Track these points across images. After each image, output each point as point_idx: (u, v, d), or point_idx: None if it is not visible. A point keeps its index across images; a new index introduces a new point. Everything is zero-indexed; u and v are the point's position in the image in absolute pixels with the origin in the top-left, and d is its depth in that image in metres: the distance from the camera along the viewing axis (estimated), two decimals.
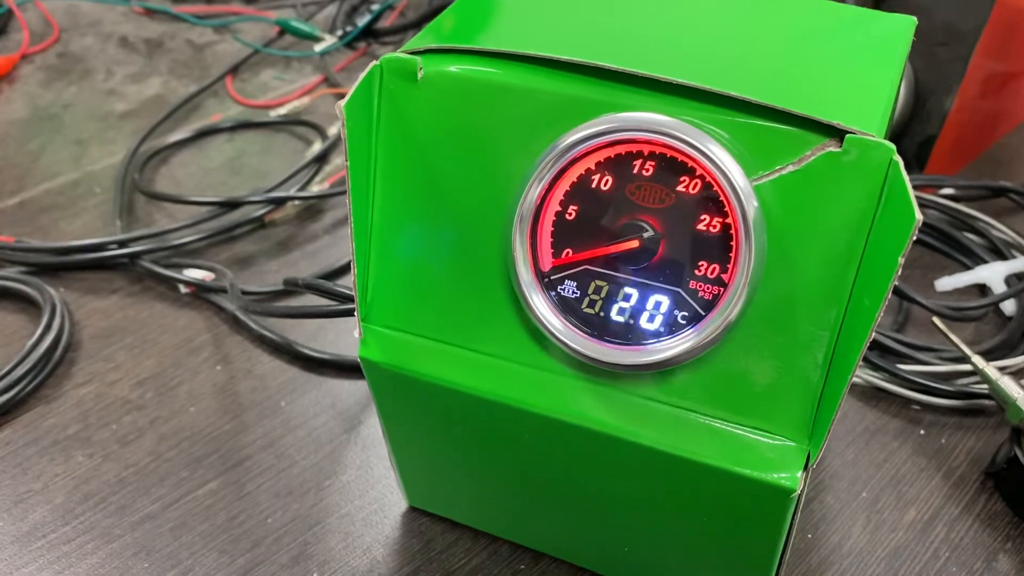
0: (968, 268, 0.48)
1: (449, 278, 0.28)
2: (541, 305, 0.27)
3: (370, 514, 0.36)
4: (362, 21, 0.67)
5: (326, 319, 0.43)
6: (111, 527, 0.36)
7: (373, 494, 0.37)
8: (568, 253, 0.27)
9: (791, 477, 0.25)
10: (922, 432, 0.39)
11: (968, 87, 0.50)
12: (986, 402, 0.40)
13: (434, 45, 0.27)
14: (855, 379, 0.41)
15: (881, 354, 0.42)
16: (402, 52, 0.27)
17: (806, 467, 0.25)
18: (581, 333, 0.27)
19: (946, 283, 0.47)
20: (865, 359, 0.41)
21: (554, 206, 0.27)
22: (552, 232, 0.27)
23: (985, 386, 0.39)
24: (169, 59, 0.69)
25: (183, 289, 0.47)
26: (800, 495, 0.25)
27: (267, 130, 0.60)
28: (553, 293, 0.27)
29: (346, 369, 0.42)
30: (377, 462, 0.38)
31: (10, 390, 0.40)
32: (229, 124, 0.59)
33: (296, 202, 0.52)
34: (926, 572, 0.34)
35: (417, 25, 0.67)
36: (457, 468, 0.33)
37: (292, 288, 0.44)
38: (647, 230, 0.26)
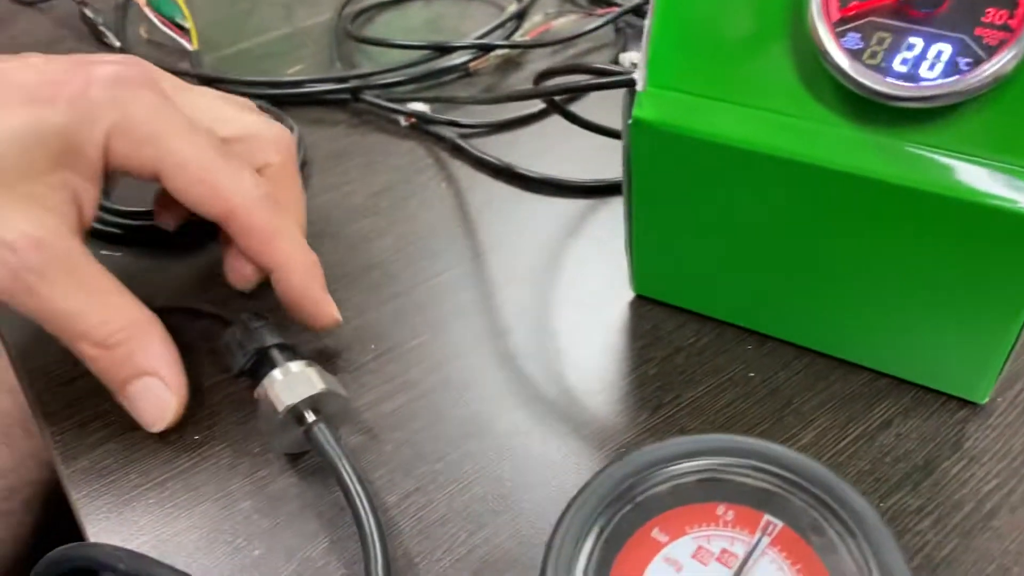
0: None
1: (731, 35, 0.30)
2: (832, 47, 0.29)
3: (597, 301, 0.39)
4: None
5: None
6: (365, 303, 0.39)
7: (593, 285, 0.40)
8: (854, 4, 0.29)
9: None
10: None
11: None
12: None
13: None
14: None
15: None
16: None
17: None
18: (869, 70, 0.28)
19: None
20: None
21: None
22: None
23: None
24: None
25: (403, 122, 0.50)
26: None
27: None
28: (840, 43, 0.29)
29: (564, 188, 0.45)
30: (597, 258, 0.41)
31: None
32: None
33: (499, 51, 0.55)
34: None
35: None
36: (702, 244, 0.35)
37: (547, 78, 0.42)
38: None
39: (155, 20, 0.60)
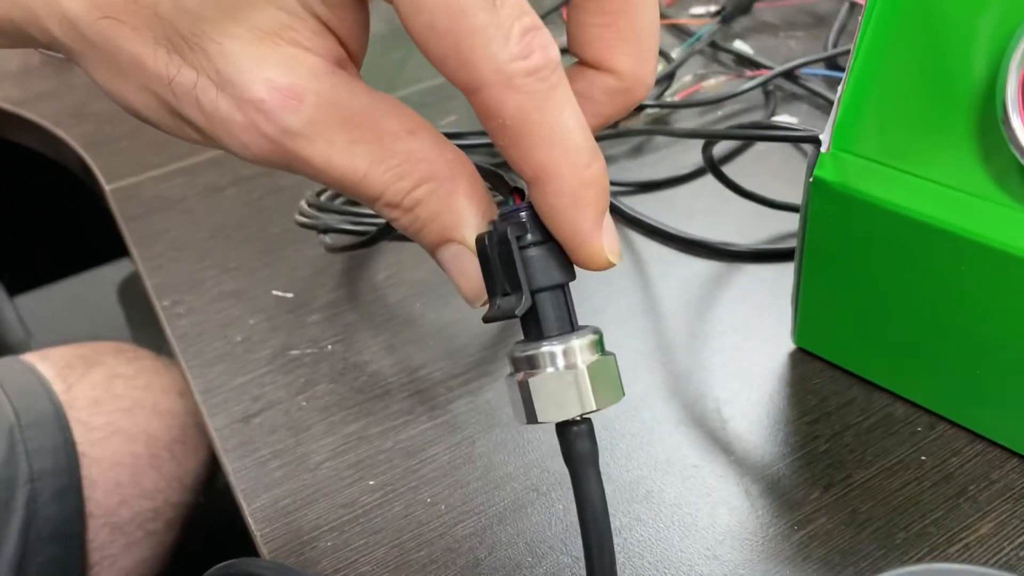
0: None
1: (919, 108, 0.31)
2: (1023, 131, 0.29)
3: (759, 371, 0.39)
4: None
5: None
6: None
7: (754, 355, 0.40)
8: None
9: None
10: None
11: None
12: None
13: None
14: None
15: None
16: None
17: None
18: None
19: None
20: None
21: None
22: None
23: None
24: None
25: None
26: None
27: None
28: None
29: (718, 252, 0.45)
30: (756, 325, 0.41)
31: None
32: None
33: (649, 111, 0.55)
34: None
35: None
36: (872, 308, 0.35)
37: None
38: None
39: None
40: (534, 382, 0.23)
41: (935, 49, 0.30)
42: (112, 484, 0.55)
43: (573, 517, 0.33)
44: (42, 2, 0.23)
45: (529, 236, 0.23)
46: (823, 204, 0.33)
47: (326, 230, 0.43)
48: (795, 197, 0.36)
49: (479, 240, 0.24)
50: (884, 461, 0.35)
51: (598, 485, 0.23)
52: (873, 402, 0.37)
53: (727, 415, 0.37)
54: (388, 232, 0.39)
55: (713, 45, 0.62)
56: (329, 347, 0.41)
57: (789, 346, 0.40)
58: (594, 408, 0.23)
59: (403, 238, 0.31)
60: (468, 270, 0.25)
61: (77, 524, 0.53)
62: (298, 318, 0.43)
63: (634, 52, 0.24)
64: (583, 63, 0.25)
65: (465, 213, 0.24)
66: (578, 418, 0.23)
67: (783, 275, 0.44)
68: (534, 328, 0.23)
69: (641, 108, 0.55)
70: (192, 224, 0.50)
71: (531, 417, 0.23)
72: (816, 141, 0.33)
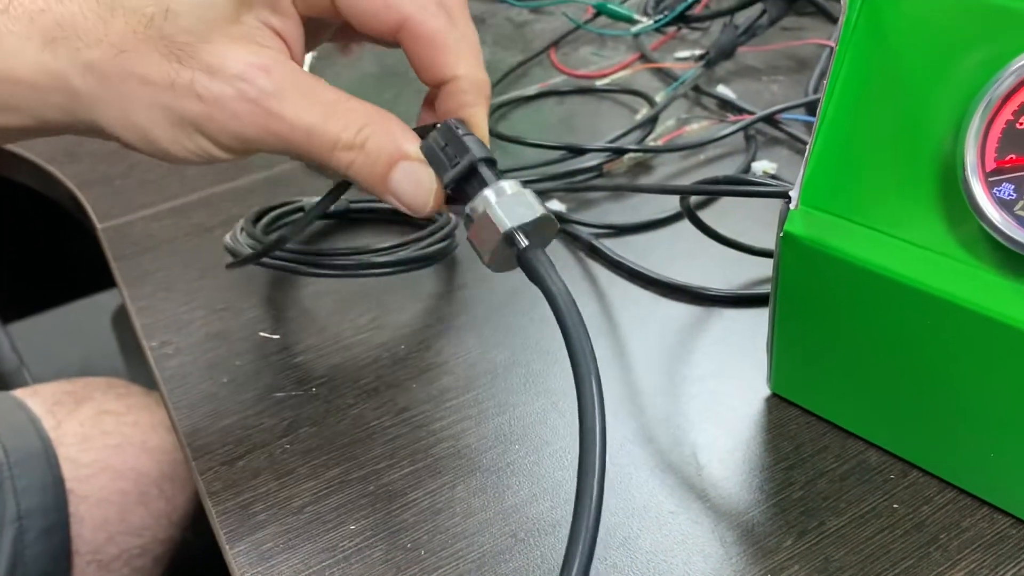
0: None
1: (885, 168, 0.32)
2: (982, 197, 0.30)
3: (736, 416, 0.40)
4: (672, 8, 0.72)
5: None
6: (508, 401, 0.41)
7: (732, 400, 0.40)
8: (1011, 158, 0.30)
9: None
10: None
11: None
12: None
13: None
14: None
15: None
16: None
17: None
18: (1017, 226, 0.29)
19: None
20: None
21: (1007, 114, 0.29)
22: (1000, 137, 0.30)
23: None
24: (493, 32, 0.76)
25: None
26: None
27: (594, 96, 0.65)
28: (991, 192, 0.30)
29: (699, 297, 0.46)
30: (733, 370, 0.42)
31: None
32: (565, 88, 0.65)
33: (632, 155, 0.56)
34: None
35: (724, 14, 0.71)
36: (844, 359, 0.36)
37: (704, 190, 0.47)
38: None
39: None
40: (492, 208, 0.31)
41: (899, 112, 0.31)
42: (99, 521, 0.55)
43: (552, 564, 0.34)
44: (67, 60, 0.30)
45: (461, 129, 0.33)
46: (794, 258, 0.34)
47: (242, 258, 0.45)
48: (772, 242, 0.37)
49: (426, 144, 0.33)
50: (857, 509, 0.35)
51: (561, 282, 0.31)
52: (847, 449, 0.38)
53: (703, 461, 0.38)
54: (279, 244, 0.42)
55: (696, 89, 0.64)
56: (314, 389, 0.42)
57: (765, 391, 0.40)
58: (541, 212, 0.32)
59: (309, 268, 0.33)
60: (421, 177, 0.32)
61: (63, 562, 0.53)
62: (284, 360, 0.44)
63: (465, 60, 0.34)
64: (438, 86, 0.34)
65: (404, 136, 0.32)
66: (525, 242, 0.31)
67: (760, 319, 0.44)
68: (479, 184, 0.32)
69: (623, 152, 0.56)
70: (182, 264, 0.51)
71: (494, 233, 0.31)
72: (786, 197, 0.34)
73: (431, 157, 0.33)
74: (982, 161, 0.30)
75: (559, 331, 0.30)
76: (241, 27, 0.31)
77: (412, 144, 0.32)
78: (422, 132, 0.33)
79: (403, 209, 0.33)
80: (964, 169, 0.29)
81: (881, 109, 0.32)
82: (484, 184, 0.32)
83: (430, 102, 0.36)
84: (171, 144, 0.32)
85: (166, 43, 0.30)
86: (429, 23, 0.33)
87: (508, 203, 0.31)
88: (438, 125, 0.33)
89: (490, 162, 0.33)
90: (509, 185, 0.32)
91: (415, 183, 0.32)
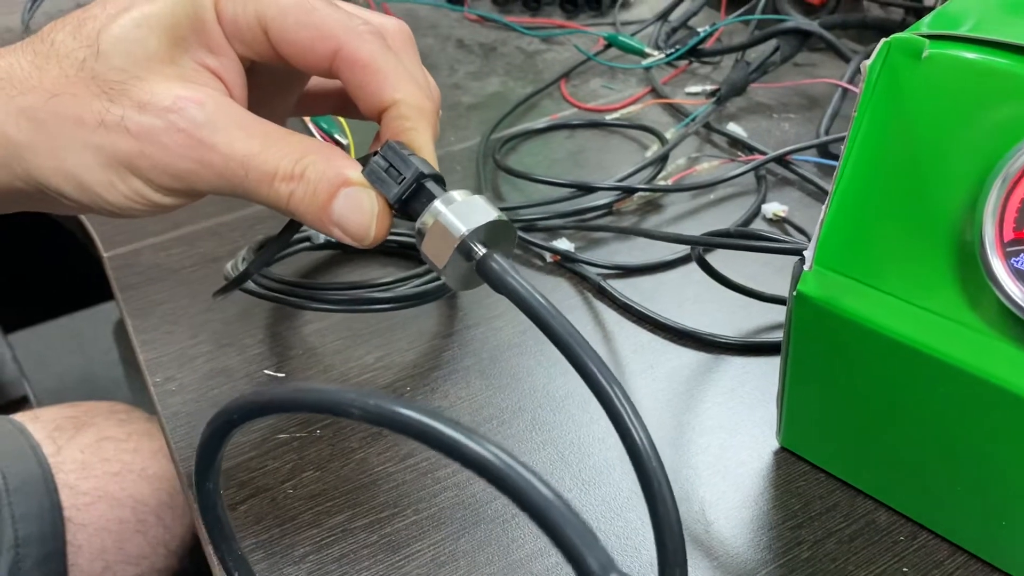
0: None
1: (901, 234, 0.32)
2: (1000, 269, 0.29)
3: (744, 471, 0.39)
4: (684, 42, 0.72)
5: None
6: (514, 450, 0.40)
7: (741, 453, 0.40)
8: None
9: None
10: None
11: None
12: None
13: (938, 31, 0.30)
14: None
15: None
16: (910, 34, 0.31)
17: None
18: None
19: None
20: None
21: None
22: (1019, 208, 0.29)
23: None
24: (504, 62, 0.76)
25: (548, 258, 0.52)
26: None
27: (604, 131, 0.65)
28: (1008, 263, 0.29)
29: (707, 344, 0.46)
30: (743, 421, 0.41)
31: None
32: (575, 122, 0.65)
33: (643, 194, 0.56)
34: None
35: (735, 49, 0.71)
36: (855, 419, 0.35)
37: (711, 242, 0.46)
38: None
39: (315, 133, 0.63)
40: (443, 216, 0.30)
41: (916, 179, 0.31)
42: (97, 550, 0.55)
43: None
44: (1, 109, 0.30)
45: (405, 149, 0.31)
46: (806, 317, 0.34)
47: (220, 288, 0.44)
48: (783, 288, 0.37)
49: (368, 169, 0.31)
50: (866, 571, 0.35)
51: (523, 285, 0.29)
52: (856, 507, 0.37)
53: (711, 517, 0.37)
54: (245, 278, 0.41)
55: (707, 126, 0.63)
56: (318, 431, 0.42)
57: (774, 445, 0.40)
58: (496, 215, 0.30)
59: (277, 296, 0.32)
60: (363, 201, 0.31)
61: None
62: None
63: (404, 84, 0.32)
64: (380, 115, 0.33)
65: (346, 163, 0.31)
66: (482, 249, 0.30)
67: (770, 368, 0.44)
68: (427, 198, 0.31)
69: (633, 191, 0.55)
70: (188, 296, 0.51)
71: (449, 241, 0.30)
72: (799, 255, 0.34)
73: (375, 180, 0.31)
74: (1000, 234, 0.29)
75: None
76: (176, 68, 0.31)
77: (354, 170, 0.31)
78: (364, 160, 0.32)
79: (348, 241, 0.31)
80: (982, 242, 0.29)
81: (898, 175, 0.31)
82: (432, 197, 0.31)
83: (377, 138, 0.34)
84: (106, 189, 0.31)
85: (98, 83, 0.30)
86: (363, 48, 0.32)
87: (459, 210, 0.30)
88: (380, 148, 0.32)
89: (437, 178, 0.31)
90: (459, 193, 0.31)
91: (357, 209, 0.31)
